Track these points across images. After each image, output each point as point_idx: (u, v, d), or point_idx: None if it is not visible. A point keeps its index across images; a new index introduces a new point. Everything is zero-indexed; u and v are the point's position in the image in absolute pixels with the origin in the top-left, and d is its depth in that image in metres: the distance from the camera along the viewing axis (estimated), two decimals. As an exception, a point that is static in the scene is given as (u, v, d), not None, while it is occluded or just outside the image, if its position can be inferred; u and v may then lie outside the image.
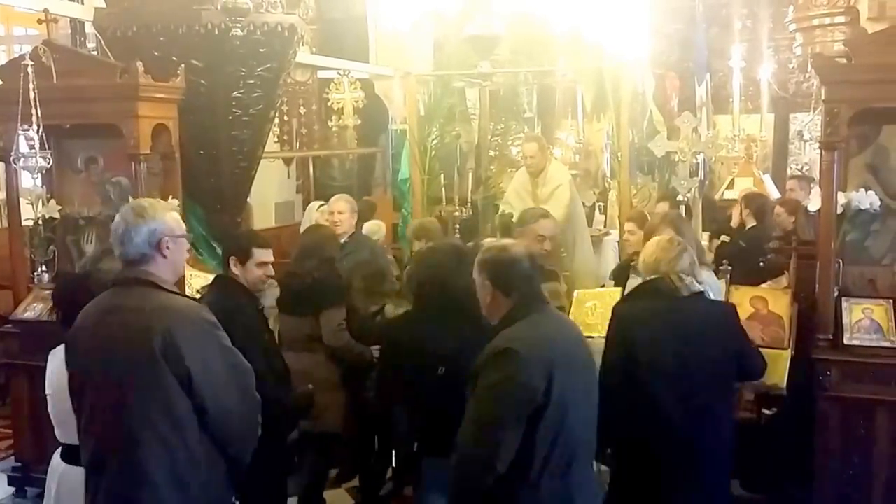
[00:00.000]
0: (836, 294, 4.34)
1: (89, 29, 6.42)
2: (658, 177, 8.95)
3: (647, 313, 3.51)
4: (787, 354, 4.23)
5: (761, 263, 5.83)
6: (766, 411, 4.31)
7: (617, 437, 3.46)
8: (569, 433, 2.75)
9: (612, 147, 8.25)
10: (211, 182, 5.66)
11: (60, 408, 3.40)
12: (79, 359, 2.91)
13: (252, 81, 5.56)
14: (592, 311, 5.05)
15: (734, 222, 7.01)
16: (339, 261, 4.85)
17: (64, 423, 3.39)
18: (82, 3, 6.48)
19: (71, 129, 4.85)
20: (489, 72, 6.52)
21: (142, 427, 2.71)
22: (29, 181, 5.01)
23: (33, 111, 4.19)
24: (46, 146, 4.23)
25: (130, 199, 4.82)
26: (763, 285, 5.12)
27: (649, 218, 5.35)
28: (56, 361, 3.44)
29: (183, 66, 4.94)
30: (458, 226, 7.28)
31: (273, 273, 3.90)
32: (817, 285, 4.40)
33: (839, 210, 4.33)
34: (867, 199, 4.33)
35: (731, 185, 8.88)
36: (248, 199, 6.82)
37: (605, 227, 8.61)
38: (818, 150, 4.51)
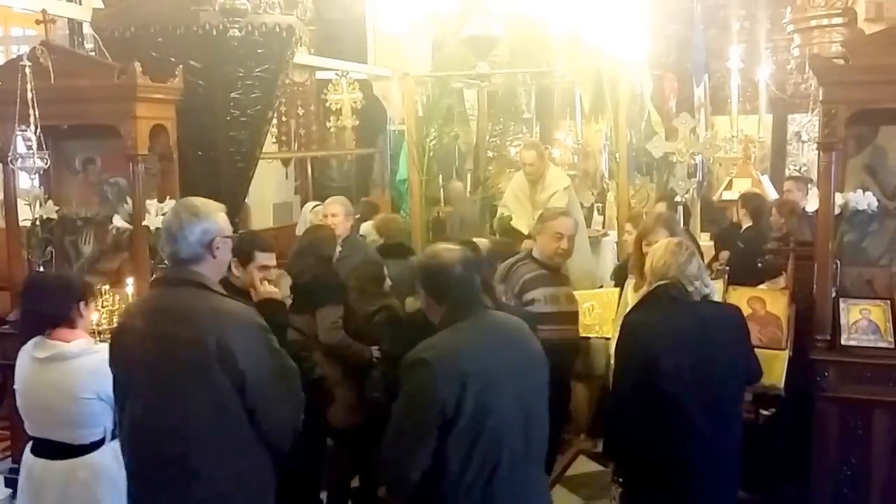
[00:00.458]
0: (833, 295, 4.34)
1: (87, 30, 6.41)
2: (656, 178, 8.97)
3: (664, 321, 3.44)
4: (785, 355, 4.24)
5: (759, 264, 5.84)
6: (764, 412, 4.32)
7: (633, 448, 3.45)
8: (488, 443, 2.70)
9: (611, 148, 8.25)
10: (209, 183, 5.64)
11: (28, 403, 3.55)
12: (125, 360, 2.90)
13: (250, 82, 5.55)
14: (590, 312, 5.08)
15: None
16: (333, 263, 4.86)
17: (29, 418, 3.54)
18: (80, 4, 6.49)
19: (69, 129, 4.84)
20: (487, 73, 6.51)
21: (195, 429, 2.74)
22: (26, 182, 5.01)
23: (31, 112, 4.19)
24: (44, 147, 4.23)
25: (128, 199, 4.83)
26: (761, 286, 5.12)
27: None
28: (24, 357, 3.57)
29: (181, 66, 4.94)
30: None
31: (274, 277, 3.88)
32: (815, 286, 4.40)
33: (837, 211, 4.33)
34: (865, 200, 4.33)
35: (729, 186, 8.88)
36: (246, 200, 6.82)
37: (603, 227, 8.63)
38: (816, 151, 4.51)
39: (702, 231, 7.76)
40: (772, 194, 8.41)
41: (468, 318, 2.85)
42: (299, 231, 7.01)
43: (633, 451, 3.48)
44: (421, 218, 7.13)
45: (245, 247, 3.81)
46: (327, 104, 9.68)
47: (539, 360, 2.98)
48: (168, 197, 4.85)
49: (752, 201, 6.99)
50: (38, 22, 4.94)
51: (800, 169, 9.70)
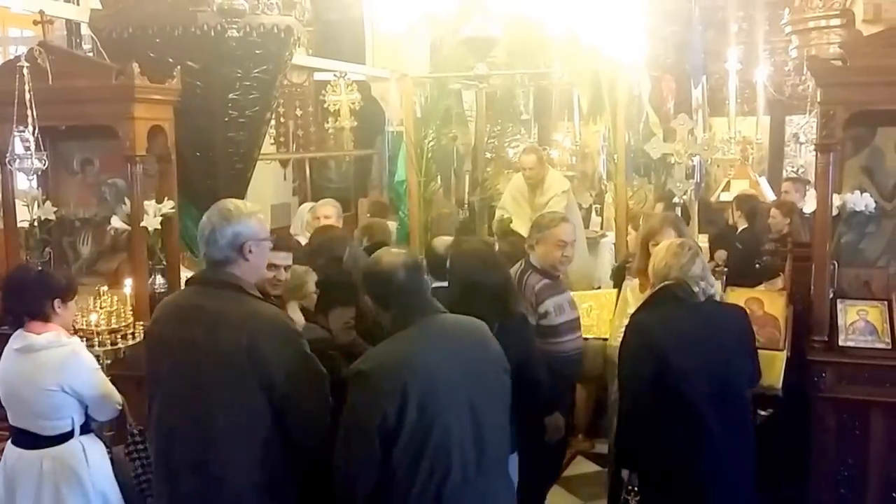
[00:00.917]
0: (831, 296, 4.35)
1: (85, 30, 6.41)
2: (654, 179, 8.97)
3: (671, 321, 3.44)
4: (783, 356, 4.24)
5: (757, 265, 5.85)
6: (762, 412, 4.32)
7: (649, 452, 3.44)
8: (436, 451, 2.68)
9: (609, 149, 8.24)
10: (207, 184, 5.64)
11: (5, 392, 3.69)
12: (157, 359, 2.94)
13: (248, 83, 5.54)
14: (588, 313, 5.06)
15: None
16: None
17: (8, 407, 3.68)
18: (78, 5, 6.48)
19: (66, 130, 4.84)
20: (486, 74, 6.54)
21: (221, 428, 2.76)
22: (24, 183, 4.99)
23: (29, 113, 4.18)
24: (42, 148, 4.22)
25: (126, 200, 4.83)
26: (759, 287, 5.13)
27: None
28: (6, 348, 3.70)
29: (179, 67, 4.93)
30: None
31: (283, 278, 3.86)
32: (813, 287, 4.41)
33: (834, 212, 4.34)
34: (862, 202, 4.34)
35: (727, 188, 8.91)
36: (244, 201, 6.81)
37: (601, 228, 8.63)
38: (814, 153, 4.52)
39: (700, 232, 7.75)
40: (769, 196, 8.44)
41: (415, 325, 2.79)
42: (293, 230, 7.02)
43: (648, 455, 3.45)
44: (419, 219, 7.13)
45: None
46: (325, 105, 9.68)
47: (496, 363, 2.93)
48: (166, 198, 4.85)
49: (746, 203, 7.02)
50: (35, 23, 4.93)
51: (797, 170, 9.71)
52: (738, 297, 4.51)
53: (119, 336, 4.15)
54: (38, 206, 4.93)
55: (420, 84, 7.74)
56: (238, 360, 2.73)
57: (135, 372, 4.12)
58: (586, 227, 8.04)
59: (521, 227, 6.89)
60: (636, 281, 4.49)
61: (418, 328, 2.80)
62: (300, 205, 9.53)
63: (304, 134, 10.04)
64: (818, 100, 4.30)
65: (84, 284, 4.30)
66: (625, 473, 3.61)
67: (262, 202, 9.30)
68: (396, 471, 2.66)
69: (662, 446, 3.38)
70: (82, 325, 4.05)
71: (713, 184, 9.48)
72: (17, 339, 3.67)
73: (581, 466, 5.65)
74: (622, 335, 3.68)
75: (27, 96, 4.19)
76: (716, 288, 3.73)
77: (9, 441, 3.73)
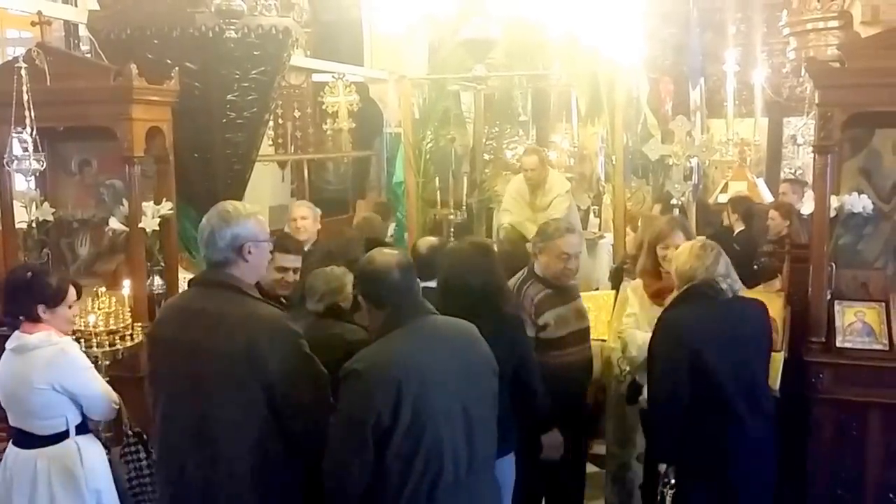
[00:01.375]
0: (828, 297, 4.35)
1: (83, 31, 6.40)
2: (652, 180, 8.99)
3: (704, 318, 3.53)
4: (781, 357, 4.23)
5: (755, 266, 5.86)
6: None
7: (684, 445, 3.52)
8: (429, 451, 2.68)
9: (607, 151, 8.28)
10: (205, 185, 5.64)
11: (3, 393, 3.71)
12: (158, 361, 2.97)
13: (246, 84, 5.55)
14: (586, 314, 5.05)
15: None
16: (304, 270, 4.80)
17: (8, 407, 3.71)
18: (76, 6, 6.48)
19: (65, 131, 4.83)
20: (484, 75, 6.54)
21: (222, 429, 2.78)
22: (22, 184, 4.99)
23: (27, 114, 4.18)
24: (40, 149, 4.21)
25: (124, 201, 4.83)
26: (756, 288, 5.13)
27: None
28: (6, 355, 3.71)
29: (177, 68, 4.93)
30: (452, 229, 7.30)
31: (292, 280, 3.82)
32: (810, 288, 4.41)
33: (832, 214, 4.34)
34: (860, 203, 4.34)
35: (724, 189, 8.92)
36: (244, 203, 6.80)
37: (599, 230, 8.63)
38: (811, 154, 4.52)
39: (697, 234, 7.76)
40: (767, 197, 8.44)
41: (407, 325, 2.80)
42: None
43: (684, 449, 3.53)
44: (417, 221, 7.13)
45: None
46: (324, 107, 9.69)
47: (486, 365, 2.94)
48: (164, 199, 4.85)
49: (741, 205, 7.03)
50: (33, 24, 4.93)
51: (795, 172, 9.74)
52: (735, 298, 4.52)
53: (117, 337, 4.14)
54: (37, 207, 4.92)
55: (418, 85, 7.76)
56: (238, 361, 2.75)
57: (133, 373, 4.14)
58: (584, 228, 8.04)
59: (528, 230, 6.90)
60: (636, 282, 4.48)
61: (411, 328, 2.81)
62: (298, 206, 9.54)
63: (303, 135, 10.04)
64: (816, 101, 4.29)
65: (82, 286, 4.29)
66: (661, 467, 3.66)
67: (261, 203, 9.30)
68: (389, 470, 2.66)
69: (698, 440, 3.48)
70: (80, 326, 4.04)
71: (711, 185, 9.49)
72: (13, 339, 3.71)
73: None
74: (652, 333, 3.73)
75: (25, 97, 4.19)
76: (739, 284, 3.82)
77: (10, 442, 3.75)
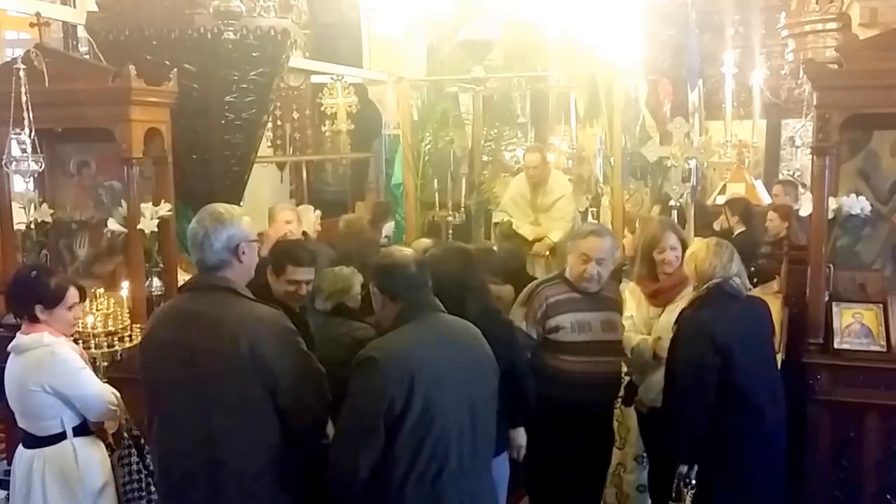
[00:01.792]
0: (826, 298, 4.36)
1: (81, 33, 6.41)
2: (650, 182, 8.99)
3: (728, 317, 3.62)
4: (778, 358, 4.25)
5: (753, 268, 5.86)
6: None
7: (710, 443, 3.55)
8: (437, 441, 2.75)
9: (605, 152, 8.27)
10: (203, 186, 5.64)
11: (8, 393, 3.73)
12: (155, 367, 2.96)
13: (245, 86, 5.54)
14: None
15: (717, 226, 7.06)
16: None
17: (14, 408, 3.72)
18: (74, 7, 6.48)
19: (63, 132, 4.82)
20: (483, 77, 6.53)
21: (225, 432, 2.79)
22: (21, 185, 4.98)
23: (25, 115, 4.17)
24: (38, 150, 4.21)
25: (123, 203, 4.82)
26: (755, 289, 5.13)
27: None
28: (10, 356, 3.72)
29: (175, 70, 4.93)
30: (451, 231, 7.30)
31: (304, 293, 3.78)
32: (808, 290, 4.42)
33: (830, 215, 4.35)
34: (858, 205, 4.34)
35: (723, 191, 8.92)
36: (241, 204, 6.80)
37: (597, 231, 8.61)
38: (810, 156, 4.52)
39: (695, 235, 7.76)
40: (765, 199, 8.44)
41: (420, 319, 2.89)
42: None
43: (708, 449, 3.57)
44: (416, 222, 7.13)
45: (279, 257, 3.81)
46: (322, 108, 9.69)
47: (488, 366, 3.00)
48: (163, 200, 4.85)
49: (739, 205, 7.03)
50: (32, 25, 4.93)
51: (793, 174, 9.73)
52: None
53: (116, 338, 4.15)
54: (35, 208, 4.92)
55: (417, 87, 7.76)
56: (239, 363, 2.76)
57: (132, 374, 4.12)
58: (583, 229, 8.04)
59: (525, 229, 6.91)
60: (633, 283, 4.48)
61: (423, 322, 2.90)
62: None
63: (301, 137, 10.04)
64: (814, 103, 4.30)
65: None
66: (682, 468, 3.66)
67: (259, 205, 9.29)
68: (398, 458, 2.72)
69: (720, 440, 3.54)
70: (79, 327, 4.04)
71: (709, 187, 9.48)
72: (15, 339, 3.73)
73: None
74: (674, 333, 3.74)
75: (24, 99, 4.18)
76: (748, 283, 3.91)
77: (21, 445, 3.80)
